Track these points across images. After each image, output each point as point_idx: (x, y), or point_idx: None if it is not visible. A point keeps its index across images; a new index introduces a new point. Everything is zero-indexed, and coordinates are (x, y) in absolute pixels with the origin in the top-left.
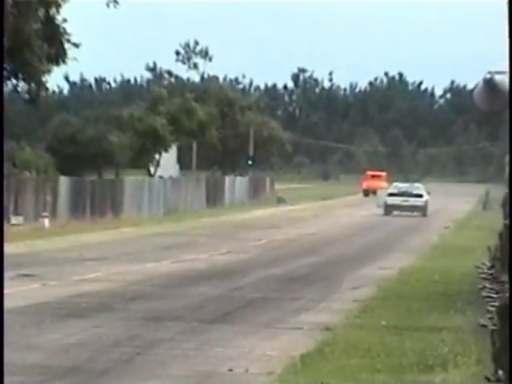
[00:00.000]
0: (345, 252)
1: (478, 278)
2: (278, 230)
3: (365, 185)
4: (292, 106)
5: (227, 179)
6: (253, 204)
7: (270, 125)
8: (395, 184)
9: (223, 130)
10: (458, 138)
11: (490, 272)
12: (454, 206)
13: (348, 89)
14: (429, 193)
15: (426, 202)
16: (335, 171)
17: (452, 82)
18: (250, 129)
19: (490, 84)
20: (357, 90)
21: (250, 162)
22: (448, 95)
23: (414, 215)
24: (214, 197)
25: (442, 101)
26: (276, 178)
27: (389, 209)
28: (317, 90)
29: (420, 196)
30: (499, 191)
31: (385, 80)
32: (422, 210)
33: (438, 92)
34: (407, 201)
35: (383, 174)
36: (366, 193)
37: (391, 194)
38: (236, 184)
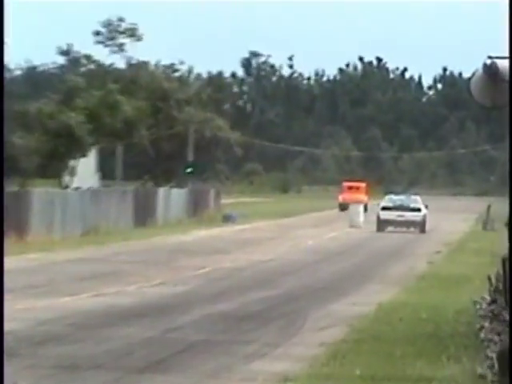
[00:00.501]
0: (309, 283)
1: (475, 315)
2: (226, 255)
3: (341, 198)
4: (243, 99)
5: (161, 191)
6: (193, 223)
7: (214, 123)
8: (389, 196)
9: (156, 130)
10: (452, 139)
11: (490, 308)
12: (447, 224)
13: (313, 77)
14: (426, 206)
15: (425, 217)
16: (297, 181)
17: (444, 70)
18: (190, 128)
19: (490, 71)
20: (324, 78)
21: (189, 170)
22: (439, 86)
23: (411, 231)
24: (144, 214)
25: (431, 93)
26: (223, 189)
27: (382, 225)
28: (273, 78)
29: (417, 210)
30: (503, 206)
31: (359, 66)
32: (420, 225)
33: (427, 82)
34: (403, 216)
35: (362, 184)
36: (343, 207)
37: (385, 208)
38: (172, 198)
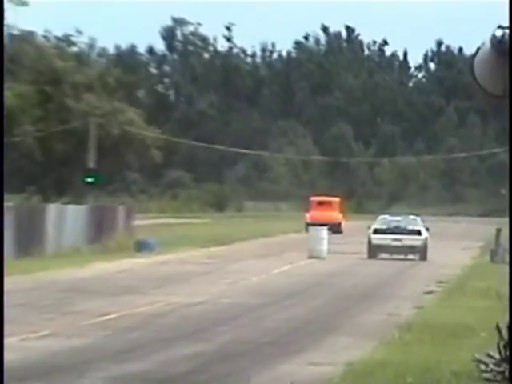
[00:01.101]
0: (252, 335)
1: (479, 379)
2: (139, 296)
3: (309, 217)
4: (163, 83)
5: (51, 209)
6: (95, 252)
7: (125, 116)
8: (383, 216)
9: (44, 125)
10: (450, 139)
11: (499, 370)
12: (442, 255)
13: (259, 54)
14: (427, 229)
15: (426, 241)
16: (237, 196)
17: (439, 44)
18: (91, 123)
19: (501, 47)
20: (274, 55)
21: (90, 180)
22: (431, 66)
23: (409, 258)
24: (28, 239)
25: (421, 75)
26: (136, 206)
27: (374, 250)
28: (205, 55)
29: (417, 233)
30: None
31: (322, 39)
32: (420, 251)
33: (415, 60)
34: (400, 240)
35: (336, 200)
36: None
37: (378, 231)
38: (67, 217)
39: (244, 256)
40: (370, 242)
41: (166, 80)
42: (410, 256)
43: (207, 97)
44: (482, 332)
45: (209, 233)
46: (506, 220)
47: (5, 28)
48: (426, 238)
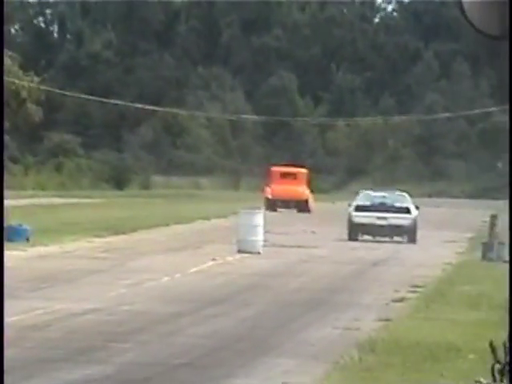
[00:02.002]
0: (161, 355)
1: None
2: (11, 301)
3: (269, 191)
4: (44, 15)
5: None
6: None
7: None
8: (366, 192)
9: None
10: (429, 92)
11: None
12: (418, 249)
13: None
14: (417, 207)
15: (415, 221)
16: (142, 168)
17: None
18: None
19: None
20: None
21: None
22: None
23: (395, 241)
24: None
25: (390, 7)
26: (7, 180)
27: (355, 230)
28: None
29: (406, 211)
30: None
31: None
32: (409, 232)
33: None
34: (385, 218)
35: (302, 171)
36: (272, 206)
37: (360, 208)
38: None
39: (151, 249)
40: (350, 220)
41: (48, 11)
42: (397, 238)
43: (103, 35)
44: (470, 353)
45: (104, 217)
46: (504, 203)
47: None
48: (415, 218)
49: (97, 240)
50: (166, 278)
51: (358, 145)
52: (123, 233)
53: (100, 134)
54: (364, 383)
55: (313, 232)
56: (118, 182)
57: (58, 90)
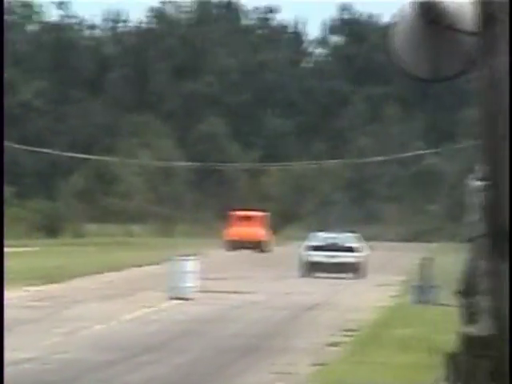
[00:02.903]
0: None
1: None
2: None
3: (229, 234)
4: None
5: None
6: None
7: None
8: (314, 234)
9: None
10: (360, 136)
11: None
12: (351, 293)
13: (102, 25)
14: (371, 246)
15: (364, 258)
16: (74, 216)
17: (342, 10)
18: None
19: (428, 11)
20: (121, 27)
21: None
22: (334, 39)
23: (344, 277)
24: None
25: (319, 51)
26: None
27: (310, 268)
28: (30, 27)
29: (353, 250)
30: (454, 260)
31: (187, 4)
32: (356, 269)
33: (312, 32)
34: (334, 257)
35: (260, 214)
36: (234, 246)
37: (311, 248)
38: None
39: (85, 297)
40: (301, 259)
41: None
42: (347, 274)
43: (33, 83)
44: None
45: (38, 266)
46: (434, 246)
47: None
48: (365, 256)
49: (31, 289)
50: (99, 326)
51: (291, 189)
52: (58, 281)
53: (32, 183)
54: None
55: (247, 277)
56: (52, 230)
57: None
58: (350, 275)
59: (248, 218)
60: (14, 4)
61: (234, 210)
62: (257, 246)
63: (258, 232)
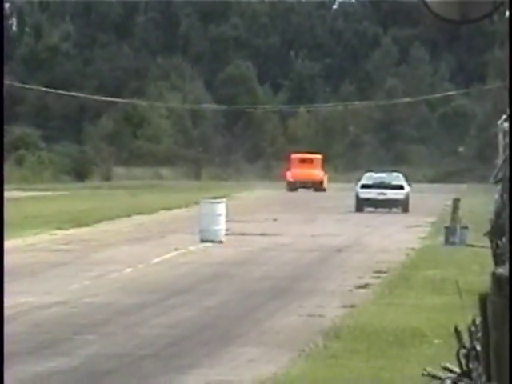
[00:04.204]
0: (127, 346)
1: None
2: None
3: (290, 175)
4: (2, 8)
5: None
6: None
7: None
8: (369, 174)
9: None
10: (388, 78)
11: None
12: (380, 235)
13: None
14: (410, 185)
15: (407, 196)
16: (103, 160)
17: None
18: None
19: None
20: None
21: None
22: None
23: (393, 211)
24: None
25: None
26: None
27: (361, 204)
28: None
29: (400, 187)
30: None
31: None
32: (403, 204)
33: None
34: (384, 194)
35: (317, 157)
36: (293, 187)
37: (364, 186)
38: None
39: (114, 240)
40: (357, 196)
41: (6, 5)
42: (394, 209)
43: (61, 27)
44: (436, 339)
45: (66, 209)
46: (465, 187)
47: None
48: (408, 193)
49: (59, 232)
50: (129, 269)
51: (319, 132)
52: (86, 225)
53: (60, 126)
54: (330, 370)
55: (274, 219)
56: (79, 174)
57: (17, 84)
58: (397, 210)
59: (307, 160)
60: None
61: (294, 153)
62: (315, 185)
63: (316, 173)
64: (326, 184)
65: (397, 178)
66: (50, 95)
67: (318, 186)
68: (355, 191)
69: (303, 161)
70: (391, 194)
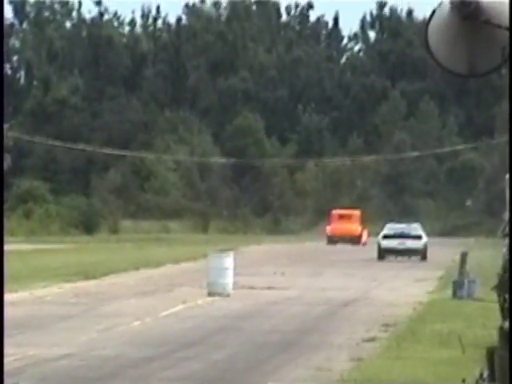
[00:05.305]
0: None
1: None
2: None
3: (329, 229)
4: (10, 61)
5: None
6: None
7: None
8: (390, 225)
9: None
10: (396, 131)
11: None
12: (388, 288)
13: (139, 22)
14: (427, 233)
15: (426, 245)
16: (110, 213)
17: (380, 6)
18: None
19: (464, 8)
20: (159, 24)
21: None
22: (371, 34)
23: (412, 260)
24: None
25: (357, 47)
26: None
27: (383, 253)
28: (67, 24)
29: (418, 238)
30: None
31: (223, 0)
32: (421, 253)
33: (350, 28)
34: (404, 243)
35: (356, 213)
36: (332, 240)
37: (386, 236)
38: None
39: (121, 293)
40: (379, 245)
41: (15, 58)
42: (412, 257)
43: (70, 80)
44: None
45: (74, 262)
46: (472, 240)
47: None
48: (426, 243)
49: (67, 285)
50: (136, 323)
51: (327, 185)
52: (93, 277)
53: (68, 179)
54: None
55: (282, 273)
56: (87, 226)
57: (25, 137)
58: (416, 258)
59: (346, 216)
60: (52, 1)
61: (334, 208)
62: (353, 239)
63: (354, 227)
64: (364, 238)
65: (416, 229)
66: (58, 148)
67: (355, 240)
68: (377, 241)
69: (342, 216)
70: (410, 243)
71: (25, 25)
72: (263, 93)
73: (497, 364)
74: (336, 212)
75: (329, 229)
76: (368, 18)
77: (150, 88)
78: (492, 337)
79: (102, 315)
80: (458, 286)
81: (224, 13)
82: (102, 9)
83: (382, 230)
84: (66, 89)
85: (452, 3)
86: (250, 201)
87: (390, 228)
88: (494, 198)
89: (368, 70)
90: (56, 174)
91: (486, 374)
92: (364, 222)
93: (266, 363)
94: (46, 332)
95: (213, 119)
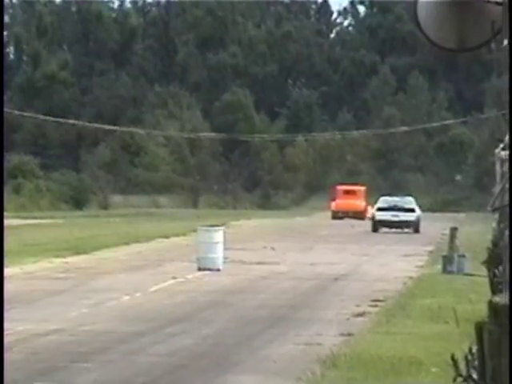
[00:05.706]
0: (124, 374)
1: None
2: None
3: (334, 205)
4: None
5: None
6: None
7: None
8: (384, 198)
9: None
10: (386, 106)
11: None
12: (377, 264)
13: None
14: (420, 207)
15: (419, 218)
16: (100, 188)
17: None
18: None
19: None
20: None
21: None
22: (360, 9)
23: (405, 232)
24: None
25: (346, 22)
26: None
27: (377, 225)
28: (56, 0)
29: (412, 210)
30: (480, 230)
31: None
32: (414, 225)
33: (339, 2)
34: (397, 216)
35: (361, 188)
36: (337, 215)
37: (380, 209)
38: None
39: (111, 268)
40: (373, 218)
41: (4, 33)
42: (406, 230)
43: (59, 55)
44: (433, 367)
45: (64, 237)
46: (463, 215)
47: None
48: (419, 216)
49: (57, 260)
50: (126, 297)
51: (316, 160)
52: (84, 253)
53: (58, 154)
54: None
55: (272, 248)
56: (77, 201)
57: (14, 111)
58: (407, 230)
59: (351, 192)
60: None
61: (339, 184)
62: (357, 215)
63: (359, 203)
64: (368, 214)
65: (409, 202)
66: (48, 123)
67: (359, 216)
68: (371, 214)
69: (347, 192)
70: (404, 216)
71: (14, 0)
72: (253, 68)
73: (486, 339)
74: (341, 188)
75: (334, 204)
76: None
77: (140, 63)
78: (482, 311)
79: (92, 290)
80: (447, 261)
81: None
82: None
83: (375, 203)
84: (56, 64)
85: None
86: (240, 176)
87: (384, 201)
88: (483, 173)
89: (357, 44)
90: (46, 149)
91: (475, 349)
92: (367, 197)
93: (256, 338)
94: (37, 307)
95: (202, 94)
